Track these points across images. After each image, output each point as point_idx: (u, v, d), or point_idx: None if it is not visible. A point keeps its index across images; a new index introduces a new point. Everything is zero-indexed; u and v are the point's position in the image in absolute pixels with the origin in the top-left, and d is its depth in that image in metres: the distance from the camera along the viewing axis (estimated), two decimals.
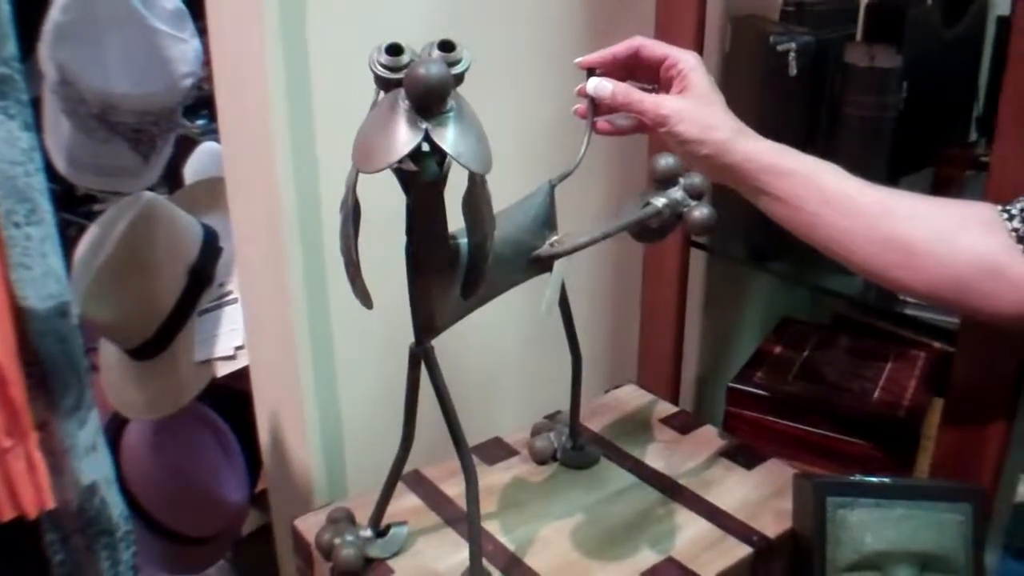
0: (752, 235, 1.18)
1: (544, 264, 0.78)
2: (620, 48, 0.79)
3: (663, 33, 1.07)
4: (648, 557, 0.81)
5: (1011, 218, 0.72)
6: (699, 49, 1.06)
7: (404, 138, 0.55)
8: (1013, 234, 0.71)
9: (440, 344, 0.73)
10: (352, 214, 0.62)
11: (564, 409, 0.96)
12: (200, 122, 2.32)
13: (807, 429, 1.10)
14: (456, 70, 0.58)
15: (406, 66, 0.57)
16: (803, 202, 0.73)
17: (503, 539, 0.84)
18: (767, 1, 1.23)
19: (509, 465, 0.95)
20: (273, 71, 0.88)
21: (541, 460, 0.95)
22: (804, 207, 0.73)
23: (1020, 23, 0.79)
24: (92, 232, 1.19)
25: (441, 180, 0.61)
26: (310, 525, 0.86)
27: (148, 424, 1.31)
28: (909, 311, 1.06)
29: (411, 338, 0.72)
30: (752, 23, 1.15)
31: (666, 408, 1.06)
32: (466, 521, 0.76)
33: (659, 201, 0.78)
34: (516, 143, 1.05)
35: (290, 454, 1.07)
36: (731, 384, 1.16)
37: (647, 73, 0.80)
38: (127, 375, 1.24)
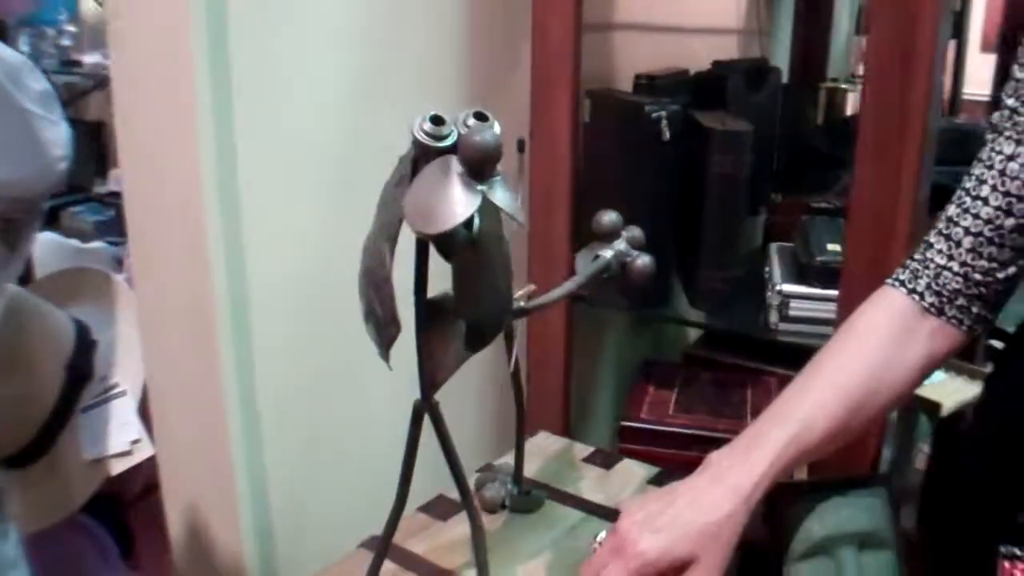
0: None
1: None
2: None
3: (540, 104, 1.18)
4: None
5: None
6: (573, 119, 1.17)
7: (464, 200, 0.60)
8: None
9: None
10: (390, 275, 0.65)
11: (488, 461, 1.01)
12: None
13: (698, 456, 1.22)
14: None
15: (447, 135, 0.62)
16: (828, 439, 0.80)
17: None
18: (615, 75, 1.38)
19: (462, 518, 0.98)
20: (205, 150, 0.89)
21: (491, 509, 0.99)
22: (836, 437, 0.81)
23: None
24: None
25: (477, 242, 0.66)
26: None
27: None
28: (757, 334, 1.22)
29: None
30: (610, 95, 1.29)
31: (583, 449, 1.13)
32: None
33: (607, 253, 0.86)
34: None
35: (216, 543, 1.03)
36: (623, 423, 1.26)
37: None
38: (2, 486, 1.13)
